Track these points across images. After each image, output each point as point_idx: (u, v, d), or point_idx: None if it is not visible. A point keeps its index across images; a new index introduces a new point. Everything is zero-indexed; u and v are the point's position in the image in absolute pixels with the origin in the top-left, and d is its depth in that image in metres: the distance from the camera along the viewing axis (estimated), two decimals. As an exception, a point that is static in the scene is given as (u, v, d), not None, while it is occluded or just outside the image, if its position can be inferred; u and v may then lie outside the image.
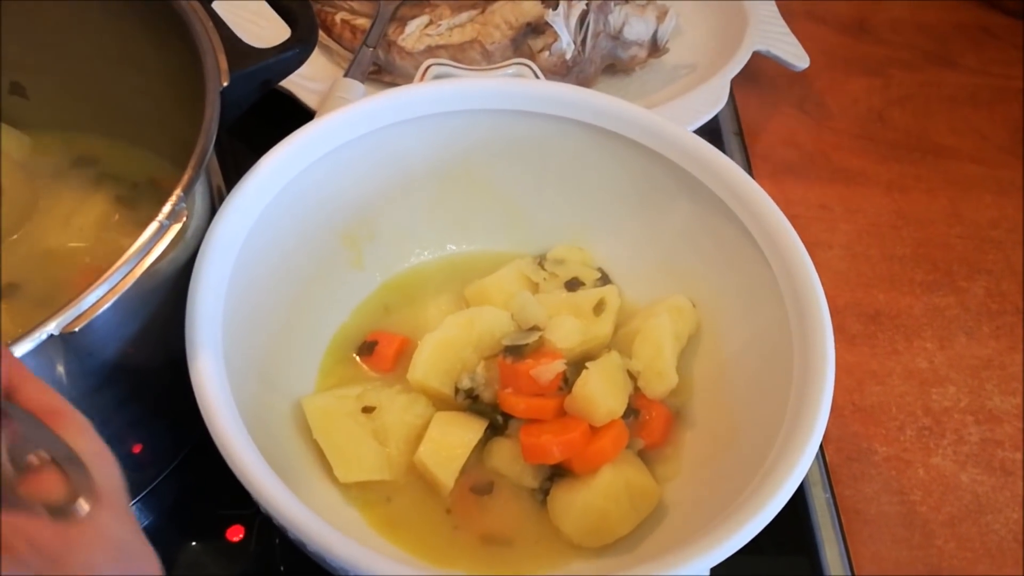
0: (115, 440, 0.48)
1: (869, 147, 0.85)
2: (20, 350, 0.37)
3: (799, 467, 0.45)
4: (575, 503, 0.50)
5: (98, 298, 0.38)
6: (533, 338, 0.55)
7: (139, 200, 0.62)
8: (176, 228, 0.41)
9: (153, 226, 0.40)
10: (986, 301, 0.74)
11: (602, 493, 0.50)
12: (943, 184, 0.82)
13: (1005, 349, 0.71)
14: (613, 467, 0.51)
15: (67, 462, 0.30)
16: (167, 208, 0.41)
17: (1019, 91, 0.93)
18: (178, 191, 0.42)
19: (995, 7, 1.01)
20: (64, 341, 0.38)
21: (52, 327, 0.37)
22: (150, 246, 0.40)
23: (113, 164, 0.64)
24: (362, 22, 0.76)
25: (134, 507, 0.55)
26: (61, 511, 0.29)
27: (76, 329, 0.37)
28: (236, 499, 0.53)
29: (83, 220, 0.61)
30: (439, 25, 0.74)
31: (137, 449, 0.52)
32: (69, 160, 0.64)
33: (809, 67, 0.83)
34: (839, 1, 1.00)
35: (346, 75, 0.70)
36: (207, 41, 0.48)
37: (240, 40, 0.51)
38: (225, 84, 0.48)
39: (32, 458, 0.29)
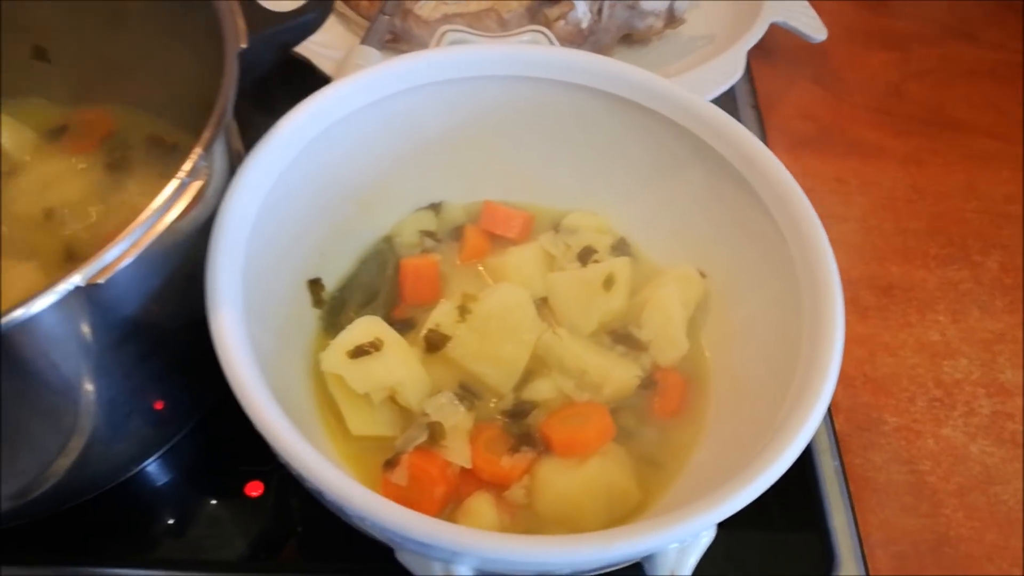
0: (137, 394, 0.51)
1: (886, 121, 0.84)
2: (46, 301, 0.38)
3: (806, 429, 0.45)
4: (554, 486, 0.50)
5: (121, 252, 0.39)
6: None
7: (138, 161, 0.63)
8: (197, 186, 0.42)
9: (174, 183, 0.41)
10: (1000, 276, 0.74)
11: (583, 485, 0.50)
12: (960, 158, 0.82)
13: (1018, 323, 0.71)
14: (601, 463, 0.51)
15: None
16: (188, 166, 0.42)
17: (1040, 66, 0.92)
18: (198, 149, 0.42)
19: (1018, -19, 1.00)
20: (88, 294, 0.39)
21: (77, 279, 0.38)
22: (171, 203, 0.41)
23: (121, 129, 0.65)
24: (380, -9, 0.76)
25: (155, 463, 0.57)
26: None
27: (101, 281, 0.38)
28: (255, 456, 0.56)
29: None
30: (456, -6, 0.74)
31: (159, 406, 0.53)
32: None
33: (827, 40, 0.83)
34: (859, -26, 0.99)
35: (363, 43, 0.70)
36: (226, 4, 0.49)
37: (258, 4, 0.52)
38: (244, 46, 0.48)
39: None
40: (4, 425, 0.44)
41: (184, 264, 0.47)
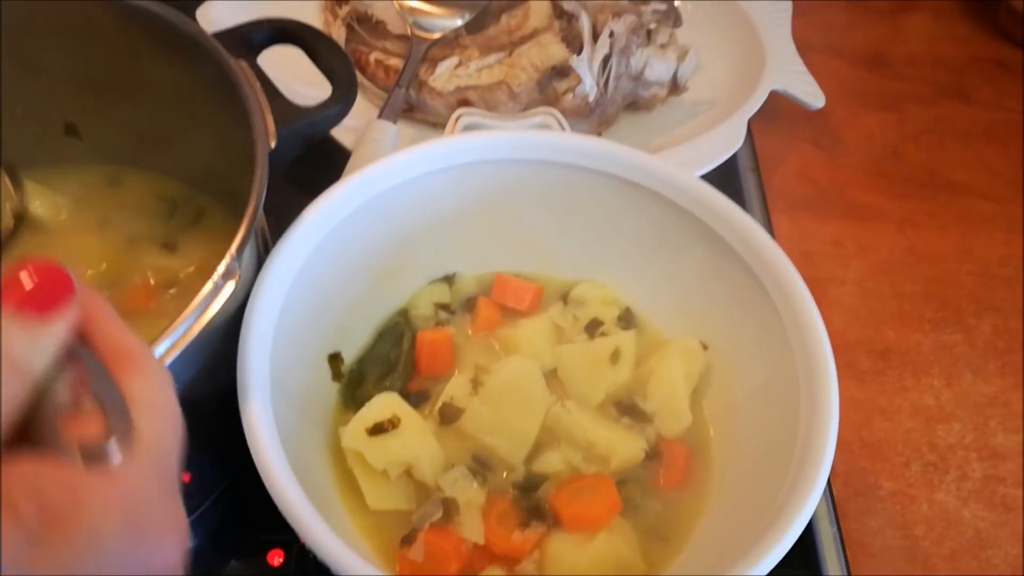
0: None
1: (883, 183, 0.87)
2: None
3: (804, 512, 0.47)
4: (563, 561, 0.53)
5: (162, 352, 0.42)
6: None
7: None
8: (230, 286, 0.45)
9: (208, 286, 0.44)
10: (993, 339, 0.76)
11: (591, 560, 0.52)
12: (954, 221, 0.85)
13: (1010, 387, 0.73)
14: (608, 538, 0.53)
15: (113, 408, 0.29)
16: (221, 268, 0.44)
17: (1033, 126, 0.95)
18: (231, 251, 0.45)
19: (1010, 40, 1.03)
20: (130, 392, 0.42)
21: (121, 381, 0.41)
22: (207, 304, 0.44)
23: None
24: (395, 62, 0.79)
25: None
26: (93, 455, 0.27)
27: (143, 383, 0.41)
28: (276, 524, 0.58)
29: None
30: (468, 66, 0.77)
31: (186, 479, 0.55)
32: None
33: (825, 102, 0.86)
34: (857, 34, 1.02)
35: (380, 117, 0.73)
36: (255, 102, 0.52)
37: (285, 99, 0.55)
38: (273, 145, 0.51)
39: (82, 400, 0.28)
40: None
41: (216, 350, 0.50)
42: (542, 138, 0.61)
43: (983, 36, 1.04)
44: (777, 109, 0.88)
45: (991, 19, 1.05)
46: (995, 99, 0.97)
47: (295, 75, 0.67)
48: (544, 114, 0.68)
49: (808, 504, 0.48)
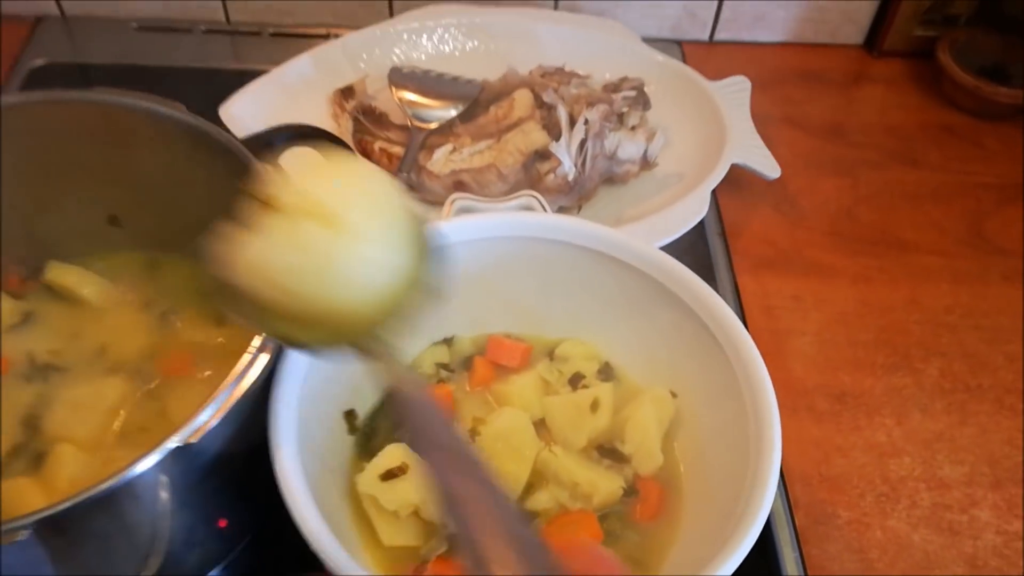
0: (208, 519, 0.62)
1: (838, 243, 0.96)
2: (149, 461, 0.49)
3: (752, 530, 0.55)
4: None
5: (210, 415, 0.51)
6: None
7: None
8: (264, 357, 0.54)
9: (245, 358, 0.53)
10: (939, 380, 0.85)
11: None
12: (904, 275, 0.94)
13: (955, 423, 0.81)
14: None
15: None
16: (256, 343, 0.54)
17: (976, 185, 1.04)
18: (266, 326, 0.54)
19: (956, 107, 1.14)
20: (182, 450, 0.50)
21: (176, 440, 0.49)
22: (246, 372, 0.53)
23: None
24: (397, 150, 0.89)
25: (217, 574, 0.67)
26: None
27: (194, 440, 0.50)
28: (305, 566, 0.66)
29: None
30: (462, 152, 0.88)
31: (223, 524, 0.64)
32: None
33: (785, 170, 0.96)
34: (814, 106, 1.13)
35: (384, 200, 0.83)
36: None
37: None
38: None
39: None
40: (102, 559, 0.55)
41: (250, 411, 0.58)
42: (527, 218, 0.71)
43: (931, 104, 1.14)
44: (740, 179, 0.98)
45: (938, 89, 1.15)
46: (942, 162, 1.07)
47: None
48: (527, 196, 0.77)
49: (757, 521, 0.55)
